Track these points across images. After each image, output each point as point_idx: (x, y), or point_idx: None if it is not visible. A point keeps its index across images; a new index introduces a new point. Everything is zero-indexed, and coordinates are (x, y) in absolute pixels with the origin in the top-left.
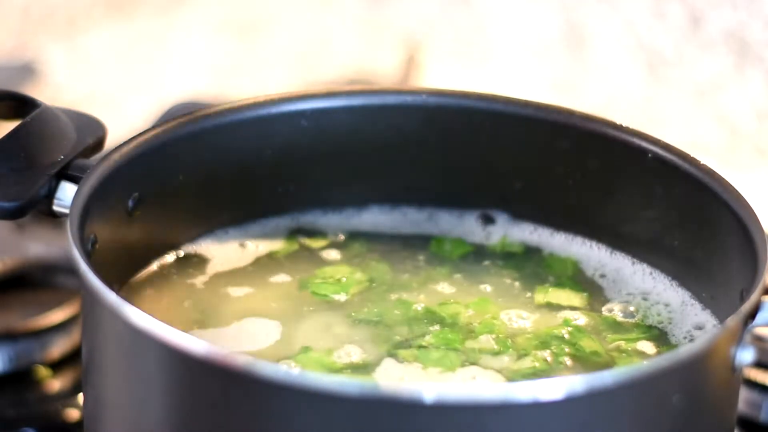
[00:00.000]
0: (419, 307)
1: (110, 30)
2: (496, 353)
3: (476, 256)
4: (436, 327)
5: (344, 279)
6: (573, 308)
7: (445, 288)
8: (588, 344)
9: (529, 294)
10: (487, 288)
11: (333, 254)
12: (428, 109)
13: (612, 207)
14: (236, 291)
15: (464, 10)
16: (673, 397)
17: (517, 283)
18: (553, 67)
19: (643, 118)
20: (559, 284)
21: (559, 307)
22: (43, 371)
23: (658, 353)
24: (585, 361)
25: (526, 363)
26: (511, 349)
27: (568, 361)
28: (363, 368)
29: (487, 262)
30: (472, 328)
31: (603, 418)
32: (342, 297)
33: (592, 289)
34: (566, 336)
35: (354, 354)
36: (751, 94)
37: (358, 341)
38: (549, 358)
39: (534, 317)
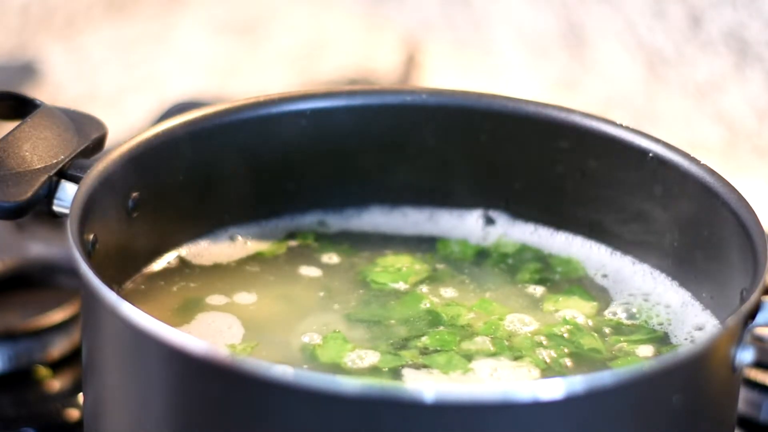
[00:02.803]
0: (420, 308)
1: (110, 30)
2: (493, 354)
3: (476, 256)
4: (434, 328)
5: (404, 268)
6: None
7: (444, 288)
8: (587, 341)
9: (528, 294)
10: (486, 288)
11: (333, 257)
12: (428, 109)
13: (612, 207)
14: (236, 290)
15: (464, 10)
16: (673, 397)
17: (516, 284)
18: (553, 67)
19: (643, 118)
20: (570, 291)
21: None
22: (43, 371)
23: (660, 355)
24: (584, 359)
25: (524, 363)
26: (507, 350)
27: (567, 361)
28: (372, 370)
29: (486, 262)
30: (473, 329)
31: (603, 418)
32: (401, 286)
33: (594, 291)
34: (566, 335)
35: (365, 357)
36: (751, 94)
37: (358, 341)
38: (547, 359)
39: (533, 317)
